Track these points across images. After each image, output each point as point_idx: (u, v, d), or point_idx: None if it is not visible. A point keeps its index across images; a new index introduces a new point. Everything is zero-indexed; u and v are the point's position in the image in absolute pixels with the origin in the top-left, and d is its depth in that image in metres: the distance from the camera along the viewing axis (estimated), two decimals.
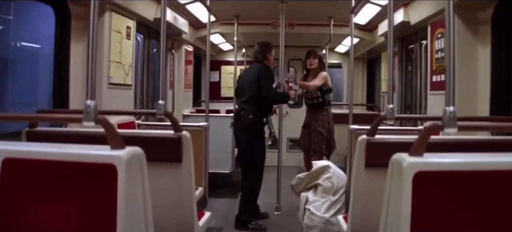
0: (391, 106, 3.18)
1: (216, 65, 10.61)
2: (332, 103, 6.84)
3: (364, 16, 7.49)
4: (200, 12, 7.32)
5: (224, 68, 10.86)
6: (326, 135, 6.35)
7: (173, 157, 3.06)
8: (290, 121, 9.23)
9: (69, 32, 4.42)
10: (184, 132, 3.07)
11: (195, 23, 7.99)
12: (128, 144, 1.91)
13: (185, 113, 8.00)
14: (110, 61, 4.77)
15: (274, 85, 5.57)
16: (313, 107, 6.53)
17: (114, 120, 4.21)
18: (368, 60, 10.49)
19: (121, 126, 4.43)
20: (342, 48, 10.26)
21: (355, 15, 5.29)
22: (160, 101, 3.21)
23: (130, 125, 4.90)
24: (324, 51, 9.04)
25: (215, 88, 10.37)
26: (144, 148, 1.96)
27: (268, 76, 5.56)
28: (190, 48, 8.32)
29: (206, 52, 5.78)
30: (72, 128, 3.76)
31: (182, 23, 7.02)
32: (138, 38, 5.83)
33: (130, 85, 5.31)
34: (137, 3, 5.38)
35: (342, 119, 6.53)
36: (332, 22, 7.83)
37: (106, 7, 4.68)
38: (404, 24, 6.00)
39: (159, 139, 3.19)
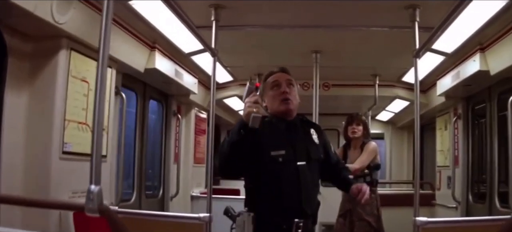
0: None
1: None
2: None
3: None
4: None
5: None
6: (376, 226, 4.70)
7: None
8: (322, 201, 7.37)
9: (3, 75, 3.01)
10: None
11: (209, 84, 6.58)
12: None
13: (193, 194, 6.43)
14: (66, 120, 3.31)
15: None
16: None
17: None
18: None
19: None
20: (385, 115, 8.70)
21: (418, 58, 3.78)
22: (93, 187, 1.70)
23: None
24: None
25: None
26: None
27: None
28: (203, 114, 6.85)
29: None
30: None
31: (189, 82, 5.62)
32: (123, 94, 4.38)
33: (103, 157, 3.82)
34: (119, 46, 4.00)
35: (387, 201, 5.35)
36: (377, 82, 6.33)
37: (62, 43, 3.27)
38: (481, 75, 4.45)
39: None
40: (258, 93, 2.36)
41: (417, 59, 3.77)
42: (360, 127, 5.00)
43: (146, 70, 4.58)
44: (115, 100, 4.30)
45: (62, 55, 3.29)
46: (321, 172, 2.83)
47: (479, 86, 5.04)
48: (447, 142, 6.31)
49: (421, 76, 6.13)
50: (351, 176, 3.01)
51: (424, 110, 6.95)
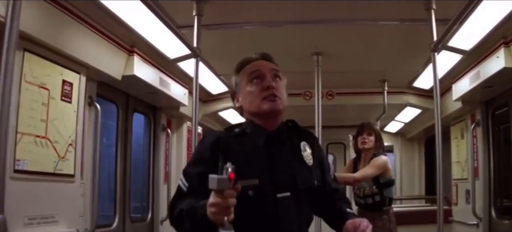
0: None
1: None
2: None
3: (428, 78, 5.46)
4: (207, 79, 5.49)
5: None
6: None
7: None
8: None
9: None
10: None
11: (202, 95, 6.07)
12: None
13: None
14: (18, 133, 2.76)
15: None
16: (367, 208, 4.34)
17: None
18: (426, 139, 8.24)
19: None
20: (394, 126, 8.11)
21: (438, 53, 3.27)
22: None
23: None
24: None
25: None
26: None
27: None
28: (198, 129, 6.28)
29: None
30: None
31: (178, 93, 5.09)
32: (97, 105, 3.84)
33: (70, 176, 3.27)
34: (90, 49, 3.49)
35: (401, 219, 4.84)
36: (386, 88, 5.78)
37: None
38: (506, 73, 3.92)
39: None
40: (230, 186, 1.48)
41: (436, 54, 3.25)
42: (372, 138, 4.47)
43: (125, 77, 4.02)
44: (89, 111, 3.78)
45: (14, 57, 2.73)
46: (315, 205, 2.02)
47: (502, 87, 4.49)
48: (464, 152, 5.74)
49: (432, 82, 5.61)
50: (349, 210, 2.04)
51: (434, 120, 6.40)
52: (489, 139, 5.16)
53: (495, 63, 3.96)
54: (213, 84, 5.66)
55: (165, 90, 4.72)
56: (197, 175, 1.81)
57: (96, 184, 3.85)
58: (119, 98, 4.62)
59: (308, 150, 2.00)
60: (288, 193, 1.85)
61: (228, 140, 1.89)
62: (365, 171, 4.28)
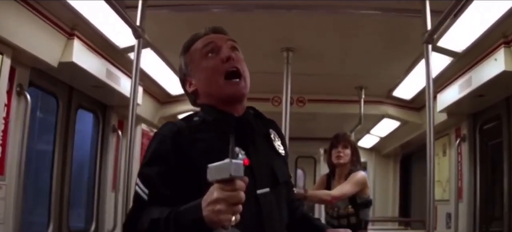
0: None
1: None
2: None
3: (410, 87, 4.97)
4: (166, 78, 4.94)
5: None
6: None
7: None
8: None
9: None
10: None
11: (160, 96, 5.46)
12: None
13: None
14: None
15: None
16: None
17: None
18: (402, 156, 7.71)
19: None
20: (368, 140, 7.55)
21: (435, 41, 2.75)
22: None
23: None
24: None
25: None
26: None
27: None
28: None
29: None
30: None
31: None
32: (28, 95, 3.18)
33: None
34: (18, 26, 2.88)
35: None
36: (363, 96, 5.23)
37: None
38: (505, 78, 3.39)
39: None
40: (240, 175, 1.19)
41: (429, 47, 2.71)
42: (348, 151, 3.95)
43: (62, 64, 3.38)
44: (18, 102, 3.15)
45: None
46: None
47: (496, 96, 3.99)
48: (445, 171, 5.23)
49: (413, 91, 5.11)
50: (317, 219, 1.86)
51: (416, 133, 5.86)
52: (476, 156, 4.67)
53: (492, 67, 3.43)
54: (172, 83, 5.07)
55: (113, 84, 4.10)
56: (159, 177, 1.46)
57: (21, 186, 3.17)
58: (60, 91, 3.97)
59: (278, 140, 1.74)
60: (268, 189, 1.55)
61: (190, 130, 1.54)
62: (343, 188, 3.75)
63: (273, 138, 1.72)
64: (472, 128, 4.68)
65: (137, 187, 1.48)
